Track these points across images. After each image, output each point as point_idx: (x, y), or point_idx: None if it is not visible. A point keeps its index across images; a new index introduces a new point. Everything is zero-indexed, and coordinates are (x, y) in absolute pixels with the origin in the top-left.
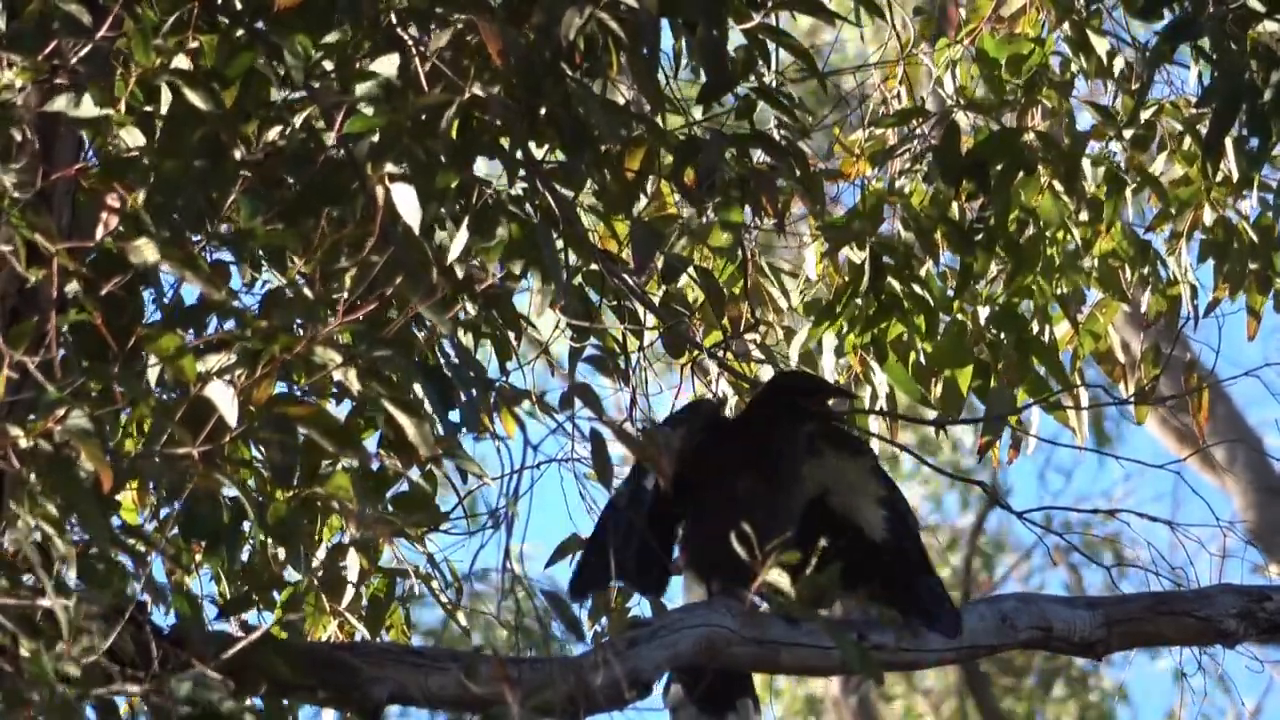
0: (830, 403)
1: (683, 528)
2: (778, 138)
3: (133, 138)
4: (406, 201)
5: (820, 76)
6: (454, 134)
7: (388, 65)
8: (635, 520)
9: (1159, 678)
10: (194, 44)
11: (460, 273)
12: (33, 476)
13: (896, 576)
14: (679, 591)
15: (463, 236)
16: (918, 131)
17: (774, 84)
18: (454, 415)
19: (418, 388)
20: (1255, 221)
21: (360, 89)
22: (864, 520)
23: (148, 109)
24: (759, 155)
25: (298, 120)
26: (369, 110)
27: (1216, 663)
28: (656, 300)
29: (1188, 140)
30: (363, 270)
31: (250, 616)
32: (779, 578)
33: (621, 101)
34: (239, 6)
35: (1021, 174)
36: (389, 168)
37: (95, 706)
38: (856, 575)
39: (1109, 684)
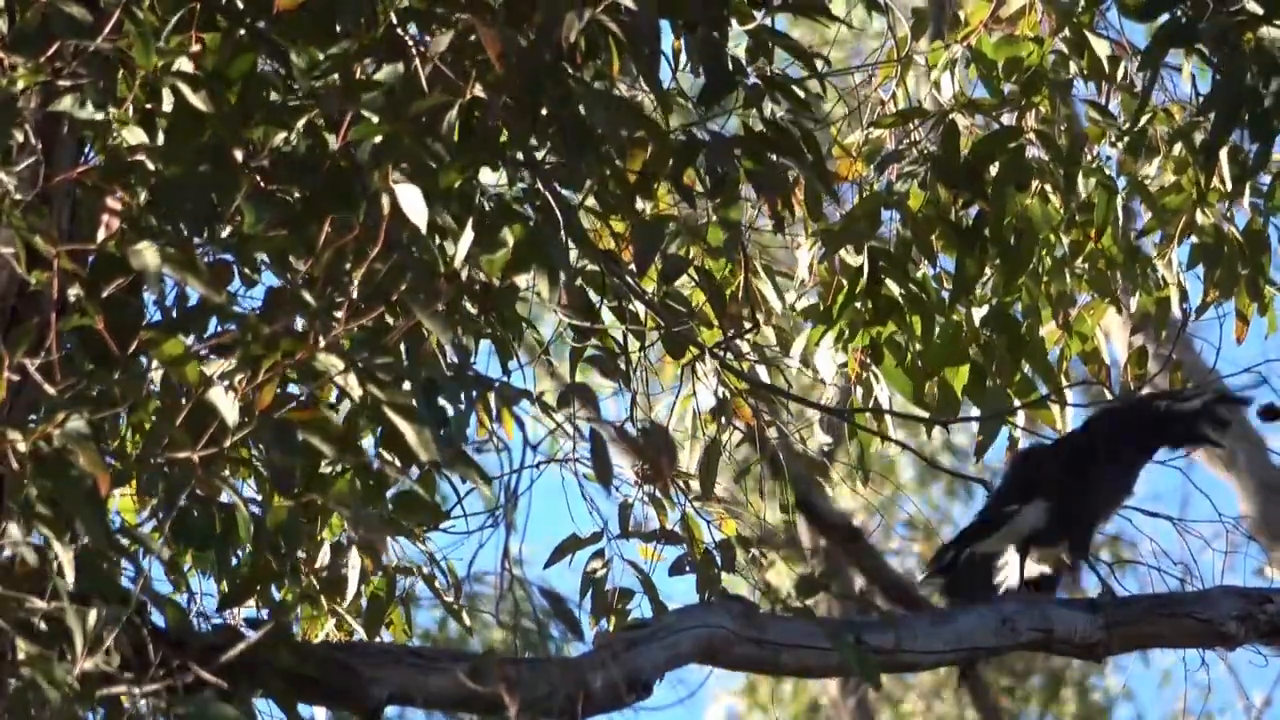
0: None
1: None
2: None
3: (135, 136)
4: (412, 202)
5: (820, 77)
6: (455, 135)
7: (391, 73)
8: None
9: (1156, 674)
10: (196, 46)
11: (463, 274)
12: (31, 480)
13: None
14: None
15: (468, 238)
16: (915, 135)
17: (776, 77)
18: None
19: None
20: (1245, 227)
21: (365, 98)
22: None
23: (149, 107)
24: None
25: (300, 123)
26: (374, 118)
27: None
28: (656, 300)
29: (1179, 146)
30: (367, 276)
31: (249, 615)
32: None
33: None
34: (240, 6)
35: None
36: (392, 169)
37: (96, 708)
38: None
39: (1111, 684)
